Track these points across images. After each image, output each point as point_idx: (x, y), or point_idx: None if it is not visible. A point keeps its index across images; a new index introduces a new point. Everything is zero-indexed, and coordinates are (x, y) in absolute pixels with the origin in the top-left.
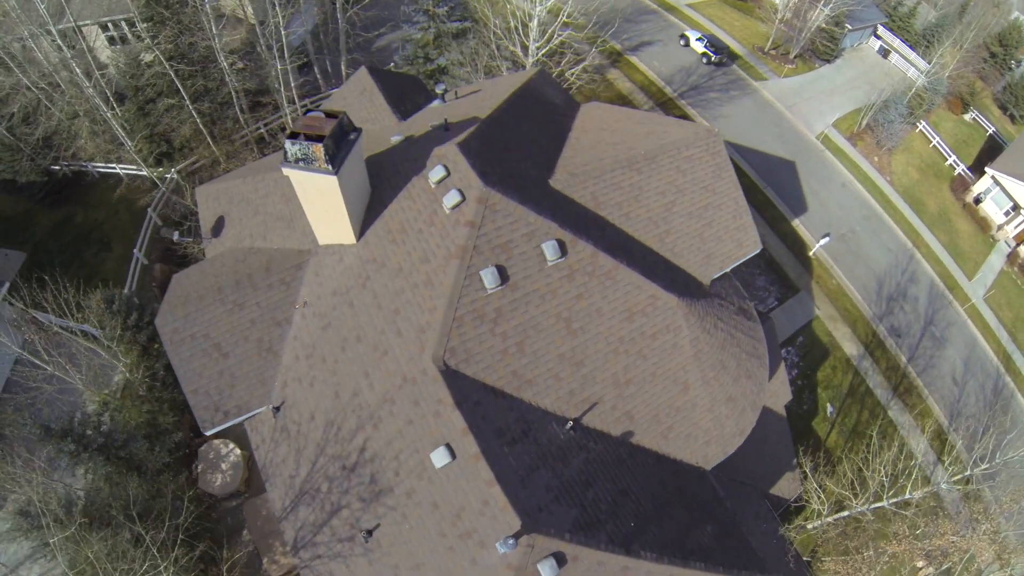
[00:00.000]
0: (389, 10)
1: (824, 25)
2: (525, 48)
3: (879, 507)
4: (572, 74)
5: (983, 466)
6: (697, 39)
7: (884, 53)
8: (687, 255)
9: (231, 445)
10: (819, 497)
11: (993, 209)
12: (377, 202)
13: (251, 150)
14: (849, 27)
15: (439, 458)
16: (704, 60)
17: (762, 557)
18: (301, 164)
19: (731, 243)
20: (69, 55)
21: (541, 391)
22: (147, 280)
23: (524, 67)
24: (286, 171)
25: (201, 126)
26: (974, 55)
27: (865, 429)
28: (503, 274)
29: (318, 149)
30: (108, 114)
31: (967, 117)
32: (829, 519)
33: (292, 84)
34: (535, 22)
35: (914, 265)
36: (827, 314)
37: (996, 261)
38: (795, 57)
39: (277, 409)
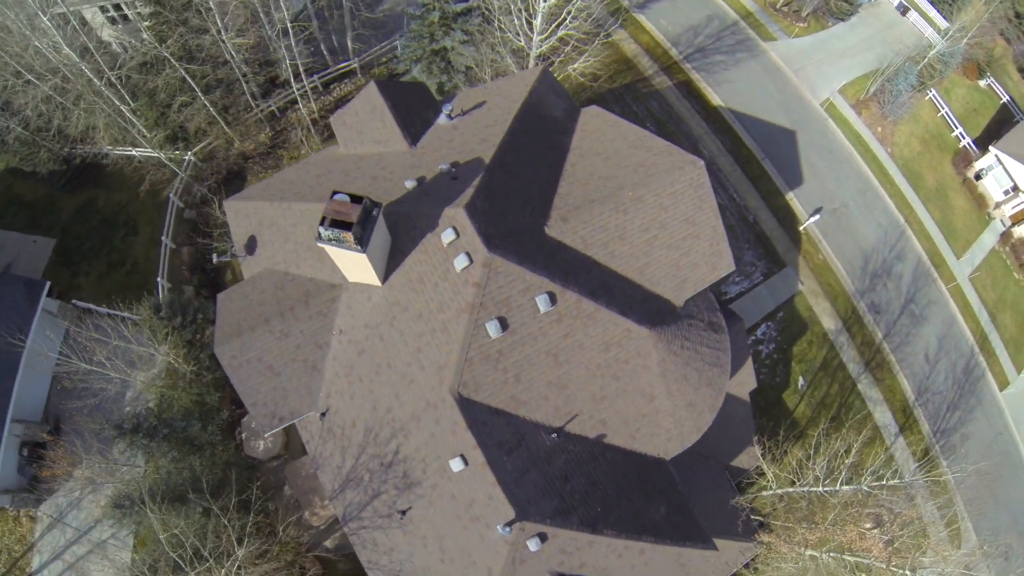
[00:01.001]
0: None
1: None
2: (529, 39)
3: (825, 490)
4: (575, 70)
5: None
6: None
7: (903, 10)
8: (664, 283)
9: None
10: (770, 474)
11: (993, 186)
12: (397, 251)
13: (263, 127)
14: None
15: (456, 465)
16: None
17: (706, 529)
18: (333, 243)
19: (706, 267)
20: (70, 45)
21: (533, 409)
22: (177, 263)
23: (527, 56)
24: (320, 246)
25: (215, 114)
26: (1000, 15)
27: (833, 402)
28: (504, 324)
29: (348, 236)
30: (125, 110)
31: (982, 83)
32: (779, 491)
33: (298, 59)
34: (539, 19)
35: (903, 242)
36: (810, 289)
37: (988, 240)
38: (807, 15)
39: (323, 414)
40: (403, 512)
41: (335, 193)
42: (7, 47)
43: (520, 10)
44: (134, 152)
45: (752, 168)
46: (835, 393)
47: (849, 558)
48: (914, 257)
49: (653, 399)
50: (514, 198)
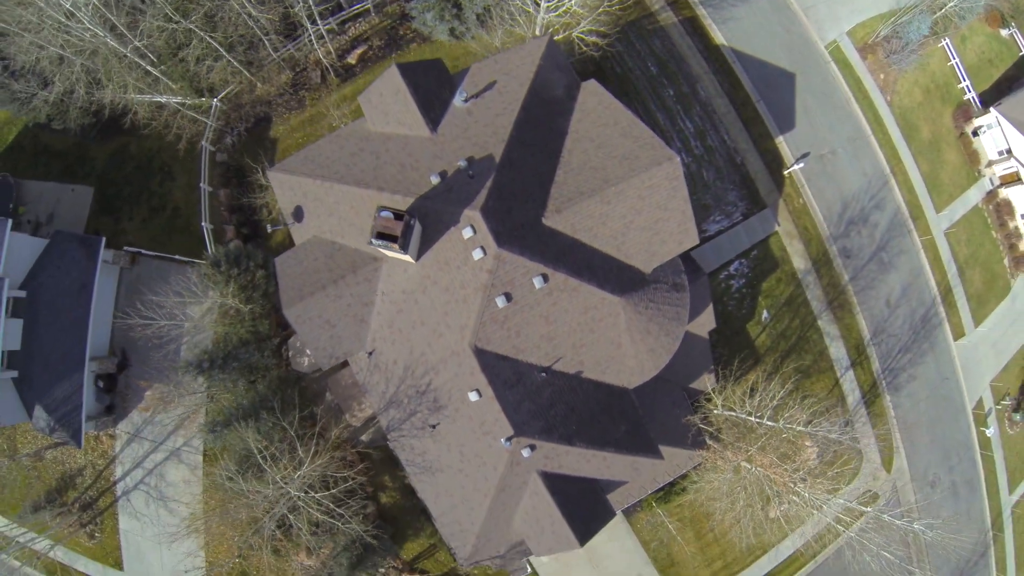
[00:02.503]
0: None
1: None
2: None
3: (756, 420)
4: (579, 35)
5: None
6: None
7: None
8: (637, 256)
9: None
10: (717, 400)
11: (989, 144)
12: (427, 237)
13: (283, 69)
14: None
15: (472, 396)
16: None
17: (656, 442)
18: (382, 245)
19: (673, 244)
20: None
21: (528, 355)
22: (216, 205)
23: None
24: (375, 243)
25: (238, 66)
26: None
27: (792, 334)
28: (508, 297)
29: (394, 246)
30: (152, 70)
31: (1004, 32)
32: (724, 413)
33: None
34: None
35: (885, 192)
36: (786, 230)
37: (973, 196)
38: None
39: (370, 353)
40: (433, 426)
41: (382, 210)
42: (37, 30)
43: None
44: (163, 100)
45: (747, 110)
46: (795, 327)
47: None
48: (893, 207)
49: (620, 346)
50: (519, 194)
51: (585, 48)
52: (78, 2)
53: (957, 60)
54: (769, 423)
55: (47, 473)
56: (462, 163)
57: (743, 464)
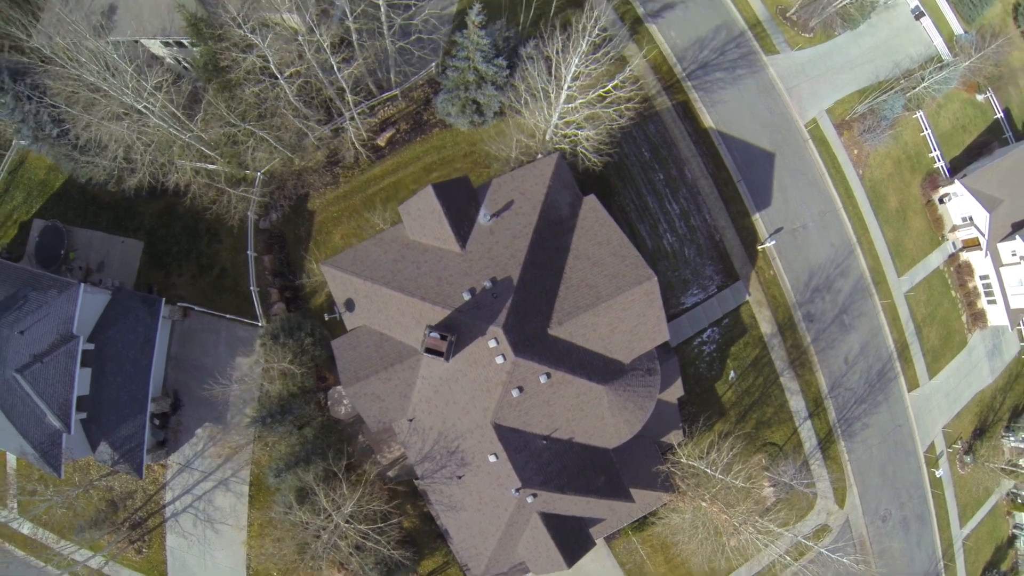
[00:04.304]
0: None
1: None
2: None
3: (711, 472)
4: (583, 153)
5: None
6: None
7: (918, 15)
8: (619, 352)
9: None
10: (682, 453)
11: (954, 211)
12: (460, 342)
13: (318, 148)
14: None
15: (491, 458)
16: None
17: (628, 489)
18: (430, 356)
19: (648, 340)
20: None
21: (533, 427)
22: (260, 269)
23: (544, 132)
24: (426, 356)
25: (283, 150)
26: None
27: (756, 391)
28: (521, 390)
29: (441, 359)
30: (206, 150)
31: (979, 97)
32: (687, 463)
33: (347, 91)
34: (557, 109)
35: (850, 260)
36: (756, 299)
37: (935, 260)
38: (815, 25)
39: (410, 420)
40: (459, 477)
41: (431, 330)
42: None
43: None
44: (213, 167)
45: (728, 189)
46: (759, 384)
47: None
48: (857, 274)
49: (603, 419)
50: (531, 311)
51: (589, 163)
52: (152, 105)
53: (929, 131)
54: (720, 476)
55: (100, 497)
56: (487, 283)
57: (702, 503)
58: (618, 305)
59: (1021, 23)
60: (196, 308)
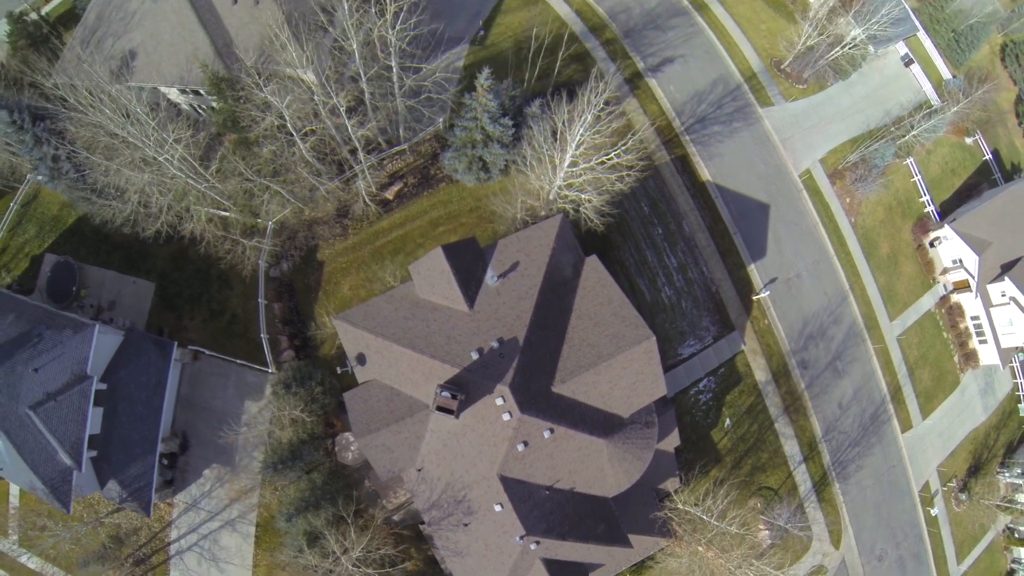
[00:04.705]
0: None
1: (849, 49)
2: (552, 182)
3: (705, 518)
4: (585, 215)
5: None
6: None
7: (908, 62)
8: (618, 407)
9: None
10: (678, 499)
11: (945, 254)
12: (468, 399)
13: (328, 199)
14: (873, 51)
15: (497, 508)
16: None
17: (627, 534)
18: (441, 415)
19: (646, 395)
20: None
21: (537, 479)
22: (270, 316)
23: (548, 191)
24: (436, 417)
25: (295, 202)
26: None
27: (751, 437)
28: (526, 444)
29: (451, 416)
30: (223, 201)
31: (968, 140)
32: (684, 508)
33: (359, 147)
34: (561, 173)
35: (843, 308)
36: (751, 348)
37: (927, 302)
38: (808, 76)
39: (419, 470)
40: (466, 524)
41: (442, 389)
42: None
43: (546, 165)
44: (225, 213)
45: (724, 242)
46: (754, 431)
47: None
48: (850, 320)
49: (603, 470)
50: (536, 370)
51: (591, 224)
52: (171, 156)
53: (919, 177)
54: (716, 523)
55: (106, 532)
56: (495, 343)
57: (698, 548)
58: (618, 364)
59: (1008, 64)
60: (207, 352)
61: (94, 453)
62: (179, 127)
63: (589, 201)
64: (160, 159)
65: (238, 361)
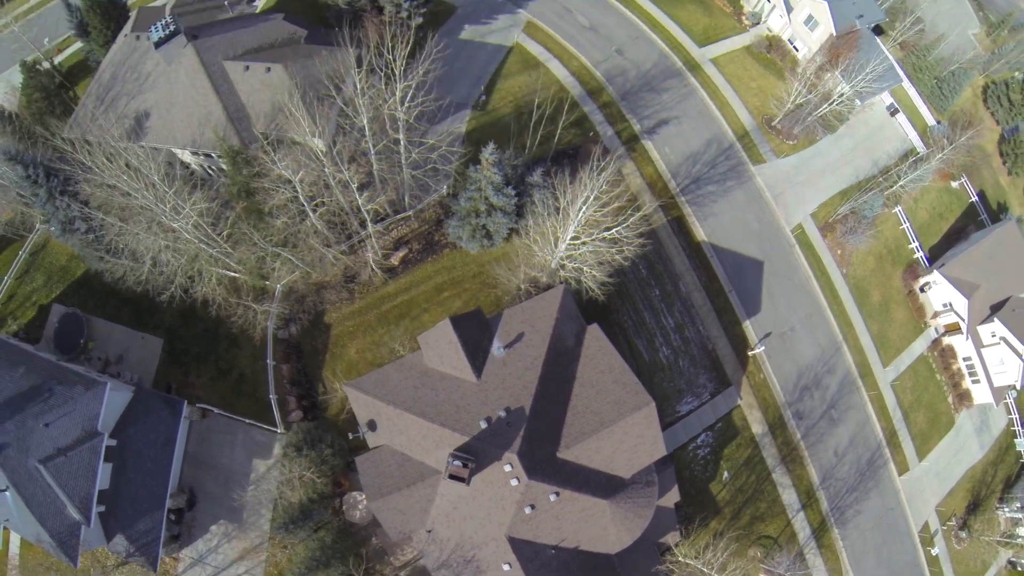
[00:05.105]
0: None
1: (837, 105)
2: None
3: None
4: (587, 285)
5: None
6: None
7: (893, 111)
8: (620, 468)
9: (363, 495)
10: (678, 553)
11: (935, 298)
12: (477, 467)
13: (334, 264)
14: (859, 104)
15: (505, 567)
16: None
17: None
18: (454, 482)
19: (647, 456)
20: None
21: (543, 539)
22: (279, 377)
23: (550, 262)
24: (446, 482)
25: (303, 267)
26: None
27: (749, 488)
28: (533, 507)
29: (463, 483)
30: (230, 262)
31: (954, 184)
32: (684, 561)
33: (367, 216)
34: (562, 246)
35: (837, 357)
36: (747, 402)
37: (919, 346)
38: (798, 132)
39: (429, 531)
40: None
41: (454, 458)
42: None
43: (549, 238)
44: (234, 275)
45: (720, 300)
46: (752, 482)
47: None
48: (843, 369)
49: (606, 529)
50: (542, 438)
51: (592, 293)
52: (185, 224)
53: (908, 224)
54: (716, 575)
55: None
56: (502, 412)
57: None
58: (620, 429)
59: (991, 105)
60: (215, 410)
61: (102, 508)
62: (199, 198)
63: (592, 273)
64: (175, 225)
65: (247, 421)
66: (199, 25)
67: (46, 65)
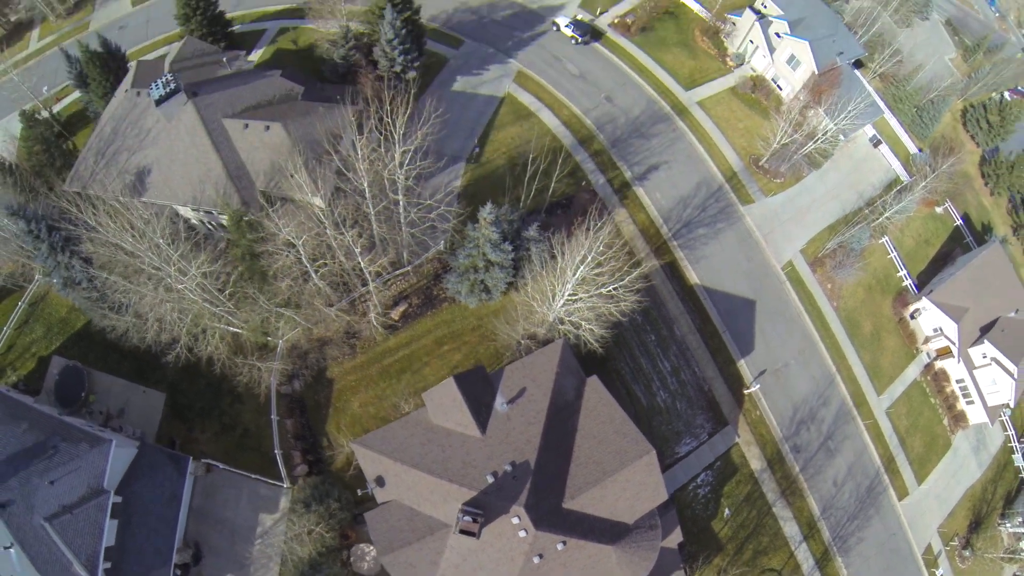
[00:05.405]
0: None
1: (821, 142)
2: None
3: None
4: (585, 338)
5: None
6: (566, 25)
7: (876, 143)
8: (624, 514)
9: (371, 547)
10: None
11: (925, 323)
12: (485, 520)
13: (336, 319)
14: (843, 139)
15: None
16: (572, 42)
17: None
18: (464, 536)
19: (649, 502)
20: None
21: None
22: (283, 432)
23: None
24: (456, 536)
25: (306, 324)
26: (975, 118)
27: (751, 523)
28: (540, 556)
29: (473, 537)
30: (232, 320)
31: (938, 210)
32: None
33: (367, 273)
34: (560, 302)
35: (831, 390)
36: (745, 440)
37: (912, 372)
38: (785, 170)
39: None
40: None
41: (464, 513)
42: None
43: (547, 294)
44: (237, 330)
45: (714, 341)
46: (753, 516)
47: None
48: (838, 401)
49: (612, 574)
50: (547, 489)
51: (591, 346)
52: (190, 285)
53: (895, 253)
54: None
55: None
56: (508, 467)
57: None
58: (622, 477)
59: (970, 127)
60: (220, 465)
61: (108, 564)
62: (203, 260)
63: (590, 328)
64: (180, 287)
65: (252, 476)
66: (198, 82)
67: (45, 114)
